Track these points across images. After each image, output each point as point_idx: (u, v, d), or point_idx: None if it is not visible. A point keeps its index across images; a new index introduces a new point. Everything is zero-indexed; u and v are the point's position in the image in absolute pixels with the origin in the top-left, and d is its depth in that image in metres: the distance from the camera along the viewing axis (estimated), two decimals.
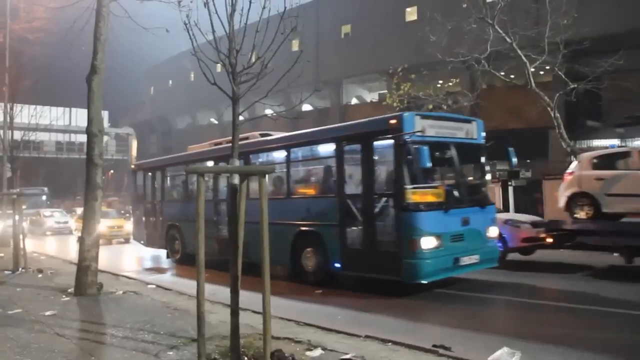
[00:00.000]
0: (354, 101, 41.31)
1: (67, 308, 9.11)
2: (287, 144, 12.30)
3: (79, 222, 29.07)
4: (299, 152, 12.24)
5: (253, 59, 6.39)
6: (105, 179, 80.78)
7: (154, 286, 11.45)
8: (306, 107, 42.22)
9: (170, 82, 54.99)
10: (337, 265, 10.66)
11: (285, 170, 12.03)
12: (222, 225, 13.26)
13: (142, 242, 18.35)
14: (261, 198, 5.24)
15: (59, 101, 41.64)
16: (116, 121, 55.99)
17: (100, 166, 10.68)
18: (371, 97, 40.84)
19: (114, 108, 56.39)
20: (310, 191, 12.06)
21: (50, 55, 24.82)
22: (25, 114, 23.93)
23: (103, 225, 19.99)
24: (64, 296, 10.22)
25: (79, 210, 29.28)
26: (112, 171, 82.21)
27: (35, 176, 47.62)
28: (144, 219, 18.07)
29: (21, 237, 14.41)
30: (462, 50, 19.35)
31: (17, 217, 14.55)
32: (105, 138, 58.85)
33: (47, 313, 8.52)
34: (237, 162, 6.21)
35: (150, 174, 17.96)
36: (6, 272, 13.79)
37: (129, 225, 23.50)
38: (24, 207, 15.34)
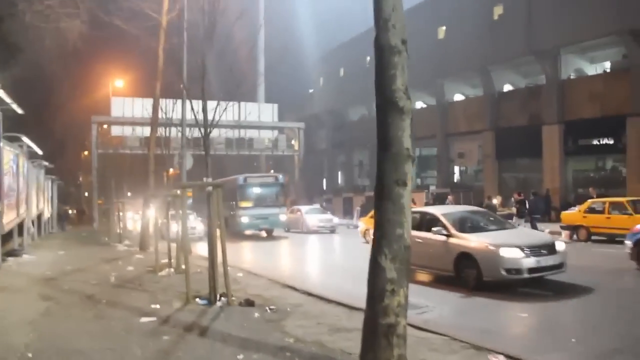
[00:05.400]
0: (572, 75, 32.94)
1: None
2: None
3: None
4: None
5: None
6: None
7: (467, 345, 5.57)
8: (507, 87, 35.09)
9: (342, 70, 50.28)
10: None
11: None
12: None
13: None
14: None
15: (227, 95, 38.08)
16: (283, 116, 52.58)
17: (409, 116, 4.99)
18: (594, 69, 32.37)
19: (282, 102, 52.79)
20: None
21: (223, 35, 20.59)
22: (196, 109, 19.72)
23: None
24: None
25: None
26: (272, 170, 79.68)
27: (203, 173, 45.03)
28: None
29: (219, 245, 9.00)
30: None
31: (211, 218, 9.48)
32: (275, 133, 55.96)
33: None
34: None
35: None
36: (199, 301, 8.89)
37: None
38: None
